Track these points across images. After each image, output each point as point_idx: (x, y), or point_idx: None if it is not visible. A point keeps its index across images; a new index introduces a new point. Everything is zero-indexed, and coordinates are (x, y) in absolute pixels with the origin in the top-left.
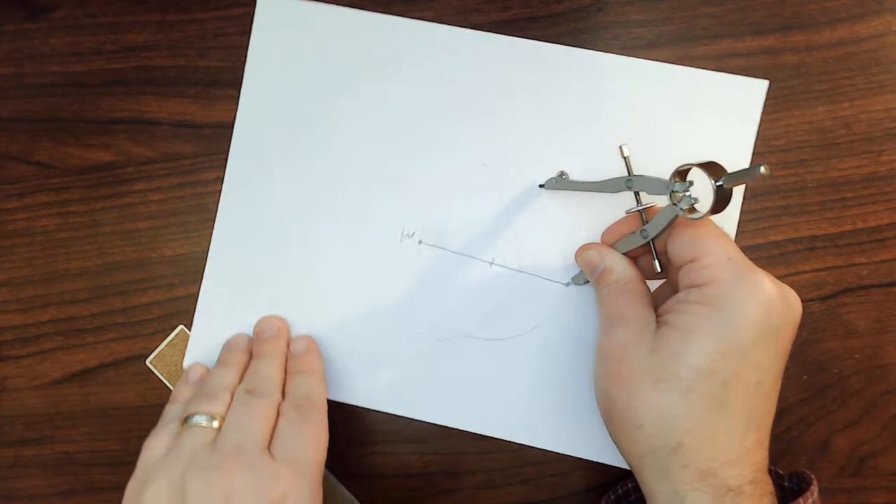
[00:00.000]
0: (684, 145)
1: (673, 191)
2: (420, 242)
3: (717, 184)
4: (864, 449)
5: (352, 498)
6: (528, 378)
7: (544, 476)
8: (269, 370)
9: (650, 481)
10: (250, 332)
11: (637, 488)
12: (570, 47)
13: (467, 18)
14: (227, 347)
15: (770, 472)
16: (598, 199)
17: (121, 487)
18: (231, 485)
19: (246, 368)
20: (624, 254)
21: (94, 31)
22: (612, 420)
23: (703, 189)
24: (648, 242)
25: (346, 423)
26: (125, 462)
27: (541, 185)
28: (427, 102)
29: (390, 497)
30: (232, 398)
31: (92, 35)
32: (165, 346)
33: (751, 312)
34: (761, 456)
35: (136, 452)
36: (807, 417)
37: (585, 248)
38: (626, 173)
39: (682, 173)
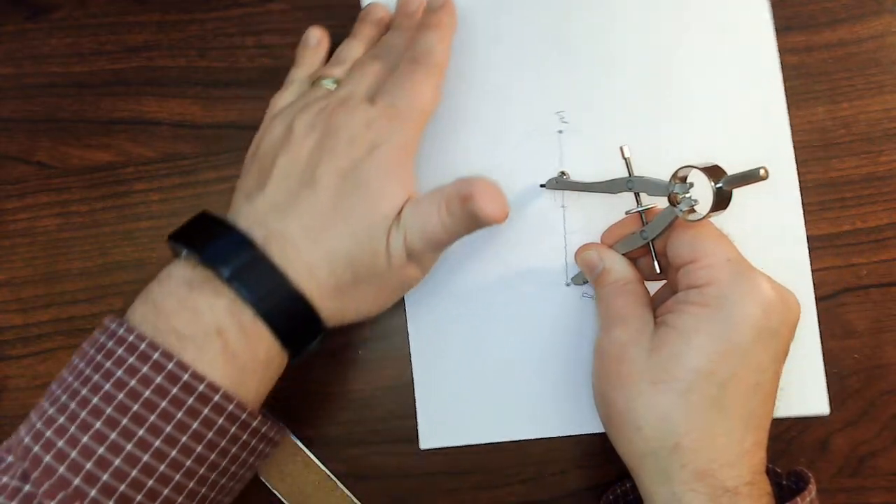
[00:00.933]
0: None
1: (672, 192)
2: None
3: (717, 186)
4: (863, 449)
5: (352, 498)
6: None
7: (544, 476)
8: (398, 40)
9: (648, 482)
10: None
11: (636, 487)
12: None
13: None
14: (362, 17)
15: (768, 470)
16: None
17: None
18: (328, 125)
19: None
20: (624, 254)
21: (94, 31)
22: (611, 421)
23: (702, 190)
24: (648, 243)
25: (345, 422)
26: None
27: (542, 185)
28: None
29: (390, 497)
30: None
31: (92, 35)
32: None
33: (749, 313)
34: (759, 457)
35: None
36: (806, 417)
37: (585, 248)
38: (626, 174)
39: (681, 175)
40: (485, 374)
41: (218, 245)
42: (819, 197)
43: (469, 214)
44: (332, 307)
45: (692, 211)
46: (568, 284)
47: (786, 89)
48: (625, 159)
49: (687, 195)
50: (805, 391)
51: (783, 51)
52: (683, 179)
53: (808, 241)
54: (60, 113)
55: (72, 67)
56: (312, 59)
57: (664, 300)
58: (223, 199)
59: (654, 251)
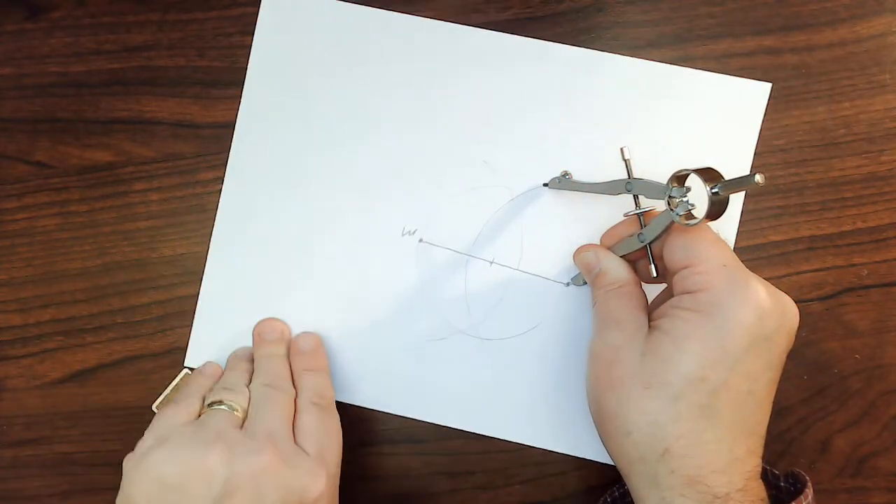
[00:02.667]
0: (685, 147)
1: (670, 196)
2: (420, 241)
3: (713, 190)
4: (864, 449)
5: None
6: (526, 378)
7: (544, 476)
8: (279, 367)
9: (638, 487)
10: (250, 332)
11: None
12: (574, 47)
13: (467, 18)
14: (234, 357)
15: (766, 472)
16: (602, 200)
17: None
18: (271, 477)
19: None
20: (622, 256)
21: (93, 31)
22: (602, 424)
23: (700, 195)
24: (646, 246)
25: (344, 423)
26: None
27: (545, 184)
28: (431, 99)
29: (390, 497)
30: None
31: (92, 35)
32: (170, 390)
33: (743, 320)
34: (753, 464)
35: None
36: (806, 418)
37: (583, 248)
38: (626, 176)
39: (679, 178)
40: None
41: None
42: (820, 197)
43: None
44: None
45: (690, 216)
46: (567, 284)
47: (786, 89)
48: (624, 161)
49: (684, 199)
50: None
51: (784, 50)
52: (681, 182)
53: (809, 241)
54: (60, 113)
55: (71, 67)
56: (205, 383)
57: (660, 303)
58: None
59: (652, 254)
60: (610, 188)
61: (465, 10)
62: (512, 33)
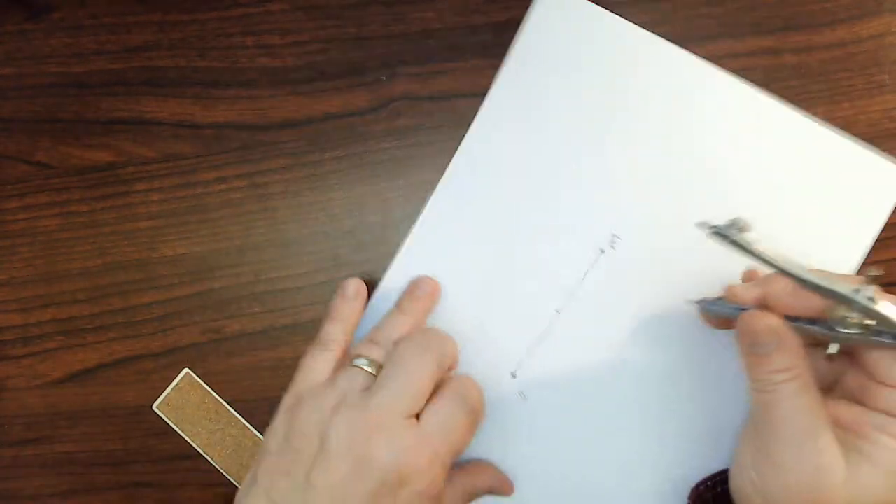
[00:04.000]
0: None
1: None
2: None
3: None
4: None
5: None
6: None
7: None
8: (447, 337)
9: None
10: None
11: (725, 479)
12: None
13: (468, 19)
14: (410, 291)
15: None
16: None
17: (121, 487)
18: (367, 450)
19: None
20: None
21: (94, 31)
22: None
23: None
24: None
25: None
26: (125, 462)
27: (712, 230)
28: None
29: None
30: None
31: (92, 35)
32: (171, 390)
33: None
34: None
35: (137, 452)
36: None
37: (762, 316)
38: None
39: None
40: None
41: None
42: None
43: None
44: None
45: None
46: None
47: (785, 89)
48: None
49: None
50: None
51: (783, 51)
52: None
53: None
54: (60, 113)
55: (72, 67)
56: (349, 313)
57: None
58: (223, 200)
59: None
60: (828, 290)
61: (466, 10)
62: (513, 34)
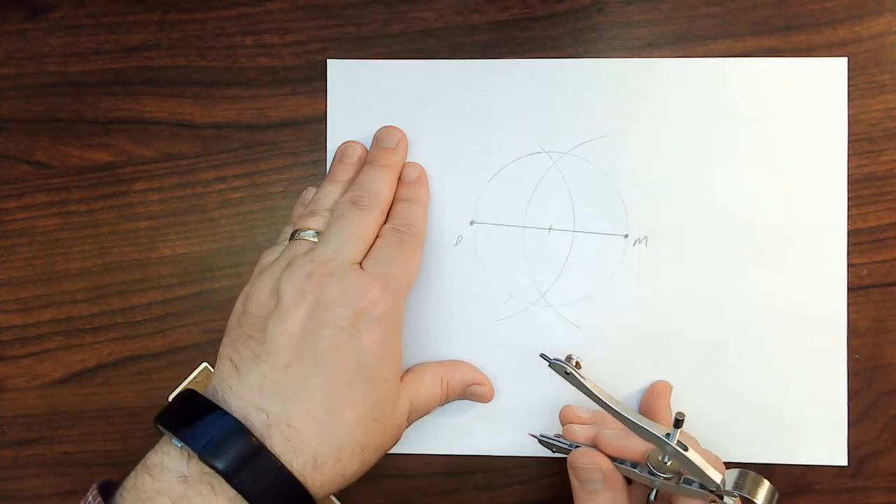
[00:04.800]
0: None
1: (725, 490)
2: (472, 223)
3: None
4: (864, 449)
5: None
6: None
7: (544, 476)
8: (379, 184)
9: None
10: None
11: None
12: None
13: (467, 18)
14: (338, 158)
15: None
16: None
17: None
18: (321, 293)
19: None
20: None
21: (93, 31)
22: None
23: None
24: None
25: None
26: (125, 462)
27: (549, 363)
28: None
29: (390, 497)
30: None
31: (92, 35)
32: (188, 382)
33: None
34: None
35: (137, 452)
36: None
37: (586, 454)
38: (669, 433)
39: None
40: None
41: (213, 434)
42: None
43: (469, 395)
44: (329, 490)
45: None
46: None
47: None
48: (676, 420)
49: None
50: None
51: (783, 50)
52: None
53: None
54: (59, 113)
55: (71, 67)
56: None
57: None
58: (222, 200)
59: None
60: (644, 432)
61: (466, 10)
62: (512, 34)
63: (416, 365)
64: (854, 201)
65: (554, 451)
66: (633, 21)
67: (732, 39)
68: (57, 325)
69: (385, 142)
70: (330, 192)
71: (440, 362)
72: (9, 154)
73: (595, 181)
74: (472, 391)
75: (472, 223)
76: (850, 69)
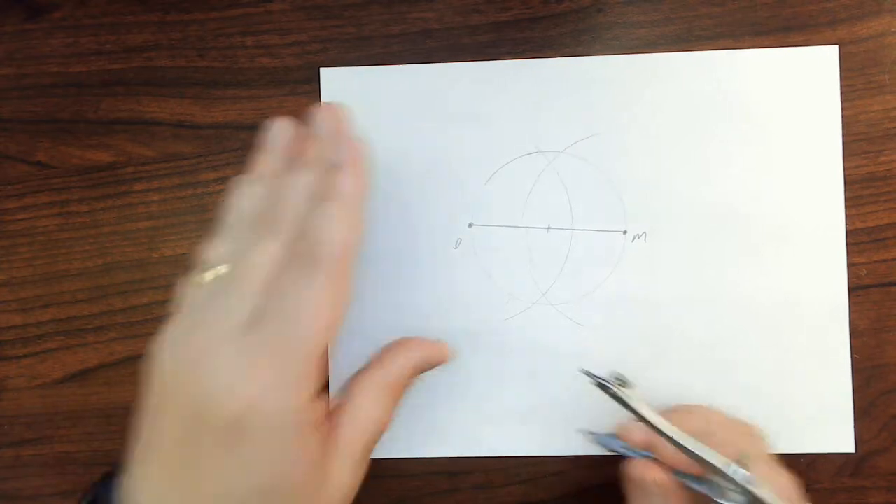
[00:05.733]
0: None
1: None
2: (471, 225)
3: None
4: (863, 449)
5: None
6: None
7: (544, 475)
8: (294, 191)
9: None
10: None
11: None
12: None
13: (467, 19)
14: (268, 142)
15: None
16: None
17: None
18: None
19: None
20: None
21: (94, 31)
22: None
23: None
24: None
25: None
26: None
27: (596, 383)
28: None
29: (390, 497)
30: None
31: (92, 35)
32: None
33: None
34: None
35: None
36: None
37: (645, 466)
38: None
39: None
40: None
41: None
42: None
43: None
44: None
45: None
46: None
47: None
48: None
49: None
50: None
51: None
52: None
53: None
54: (60, 113)
55: (71, 67)
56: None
57: None
58: (223, 199)
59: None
60: (705, 463)
61: (466, 10)
62: (512, 34)
63: (332, 400)
64: (853, 201)
65: (608, 451)
66: (633, 21)
67: (732, 40)
68: (58, 325)
69: (320, 126)
70: (233, 237)
71: (386, 350)
72: (10, 154)
73: (592, 178)
74: (422, 367)
75: (470, 225)
76: (849, 69)
